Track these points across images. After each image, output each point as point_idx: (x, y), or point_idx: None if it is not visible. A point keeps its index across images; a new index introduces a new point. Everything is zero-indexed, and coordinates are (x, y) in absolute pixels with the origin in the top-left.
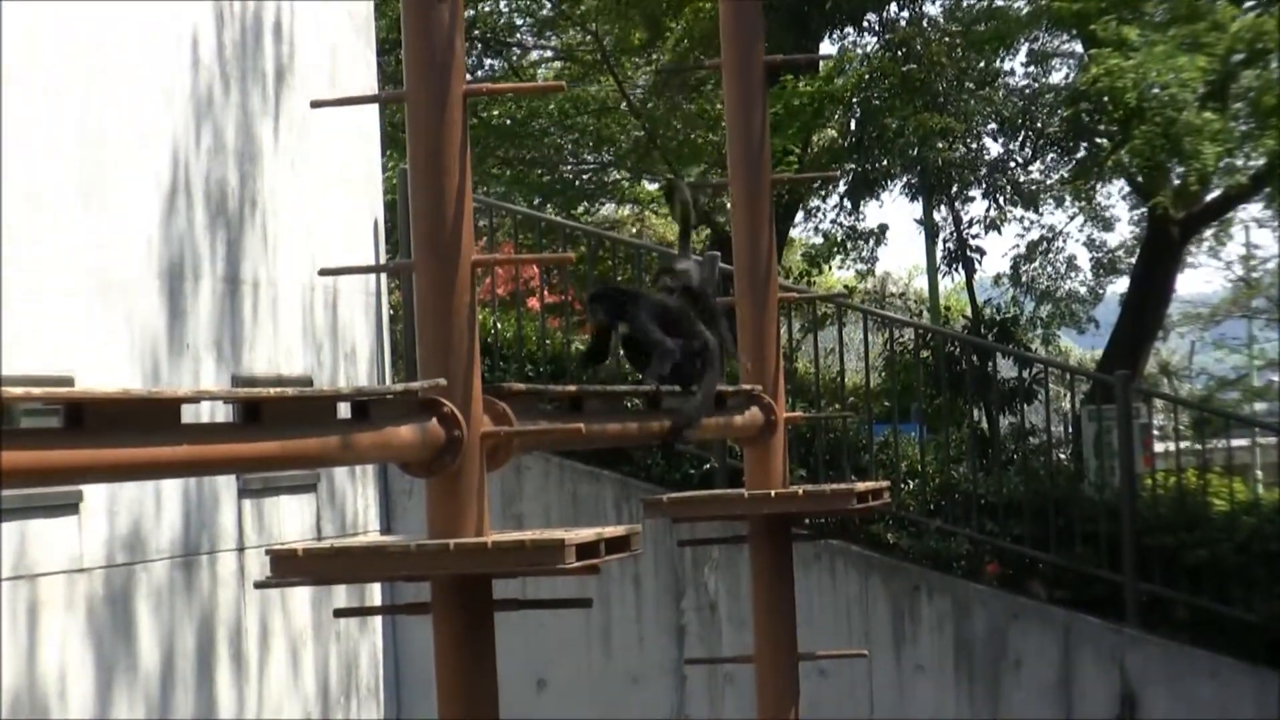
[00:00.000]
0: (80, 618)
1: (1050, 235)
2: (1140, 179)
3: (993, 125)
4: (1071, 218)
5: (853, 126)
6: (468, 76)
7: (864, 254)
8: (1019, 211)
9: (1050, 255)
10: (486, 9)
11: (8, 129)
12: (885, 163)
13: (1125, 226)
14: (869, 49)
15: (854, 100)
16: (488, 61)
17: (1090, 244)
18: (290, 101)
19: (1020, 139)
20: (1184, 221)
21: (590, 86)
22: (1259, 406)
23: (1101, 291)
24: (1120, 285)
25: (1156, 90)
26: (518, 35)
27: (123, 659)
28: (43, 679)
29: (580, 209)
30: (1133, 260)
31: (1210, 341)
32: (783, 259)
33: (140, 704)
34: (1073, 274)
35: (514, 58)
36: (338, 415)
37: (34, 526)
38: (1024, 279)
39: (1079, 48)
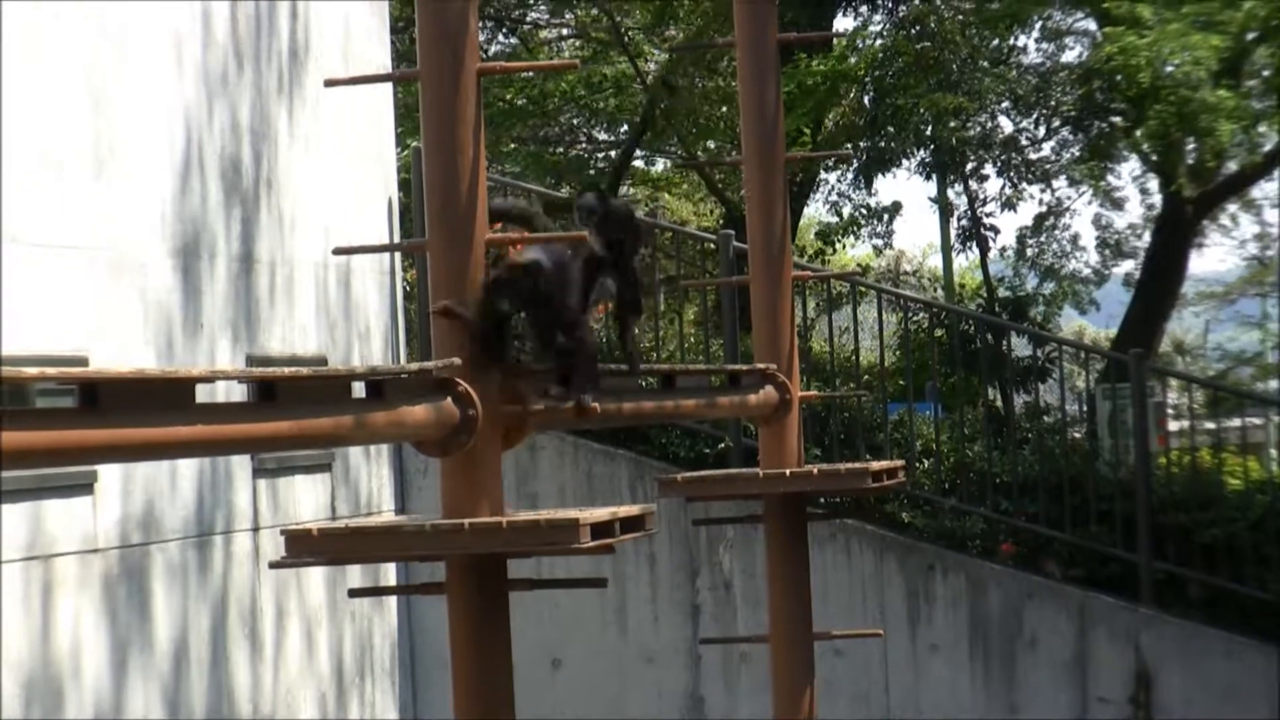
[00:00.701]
0: (95, 598)
1: (1057, 210)
2: (1154, 157)
3: (1006, 103)
4: (1080, 194)
5: (866, 104)
6: (481, 54)
7: (878, 230)
8: (1032, 188)
9: (1056, 232)
10: None
11: (19, 102)
12: (899, 141)
13: (1136, 207)
14: (882, 27)
15: (867, 79)
16: (501, 39)
17: (1098, 223)
18: (304, 80)
19: (1034, 117)
20: (1198, 200)
21: (604, 66)
22: (1273, 384)
23: (1107, 273)
24: (1126, 267)
25: (1170, 68)
26: (531, 14)
27: (137, 639)
28: (57, 659)
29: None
30: (1141, 241)
31: (1224, 319)
32: (797, 238)
33: (155, 684)
34: (1078, 253)
35: (528, 36)
36: (352, 395)
37: (48, 507)
38: (1029, 254)
39: (1093, 25)
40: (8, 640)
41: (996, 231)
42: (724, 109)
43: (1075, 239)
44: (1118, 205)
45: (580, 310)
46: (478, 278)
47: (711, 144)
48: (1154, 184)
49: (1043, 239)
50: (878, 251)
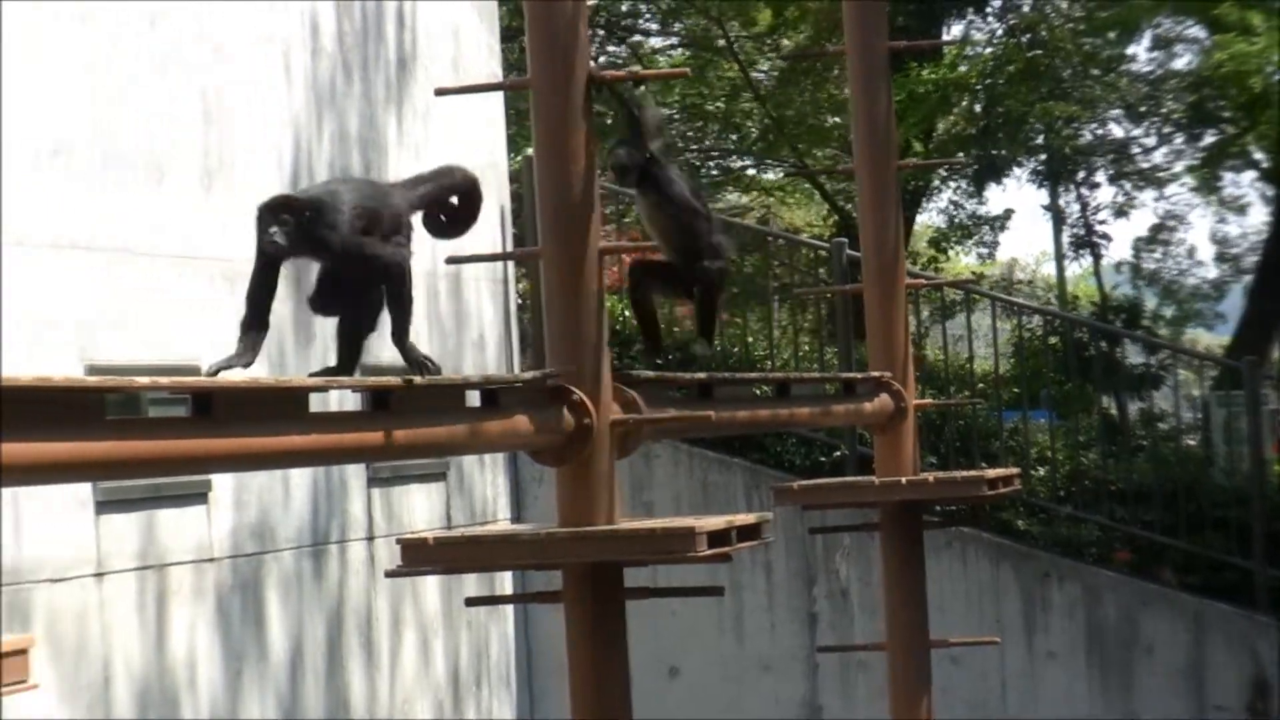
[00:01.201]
0: (209, 607)
1: (1170, 221)
2: (1267, 164)
3: (1117, 110)
4: (1195, 204)
5: (977, 112)
6: (591, 63)
7: (986, 239)
8: (1144, 196)
9: (1171, 246)
10: None
11: (132, 115)
12: (1010, 149)
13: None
14: (994, 34)
15: (978, 87)
16: (611, 48)
17: (1213, 237)
18: (413, 88)
19: (1145, 125)
20: None
21: (714, 74)
22: None
23: (1226, 286)
24: (1246, 278)
25: None
26: (641, 22)
27: (252, 649)
28: (171, 669)
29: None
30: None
31: None
32: (910, 245)
33: (270, 694)
34: (1196, 267)
35: (638, 45)
36: (466, 403)
37: (162, 516)
38: (1144, 270)
39: (1202, 33)
40: (122, 649)
41: (1108, 239)
42: (837, 117)
43: (1191, 251)
44: (1241, 211)
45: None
46: (591, 285)
47: (824, 152)
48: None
49: (1157, 253)
50: (984, 261)
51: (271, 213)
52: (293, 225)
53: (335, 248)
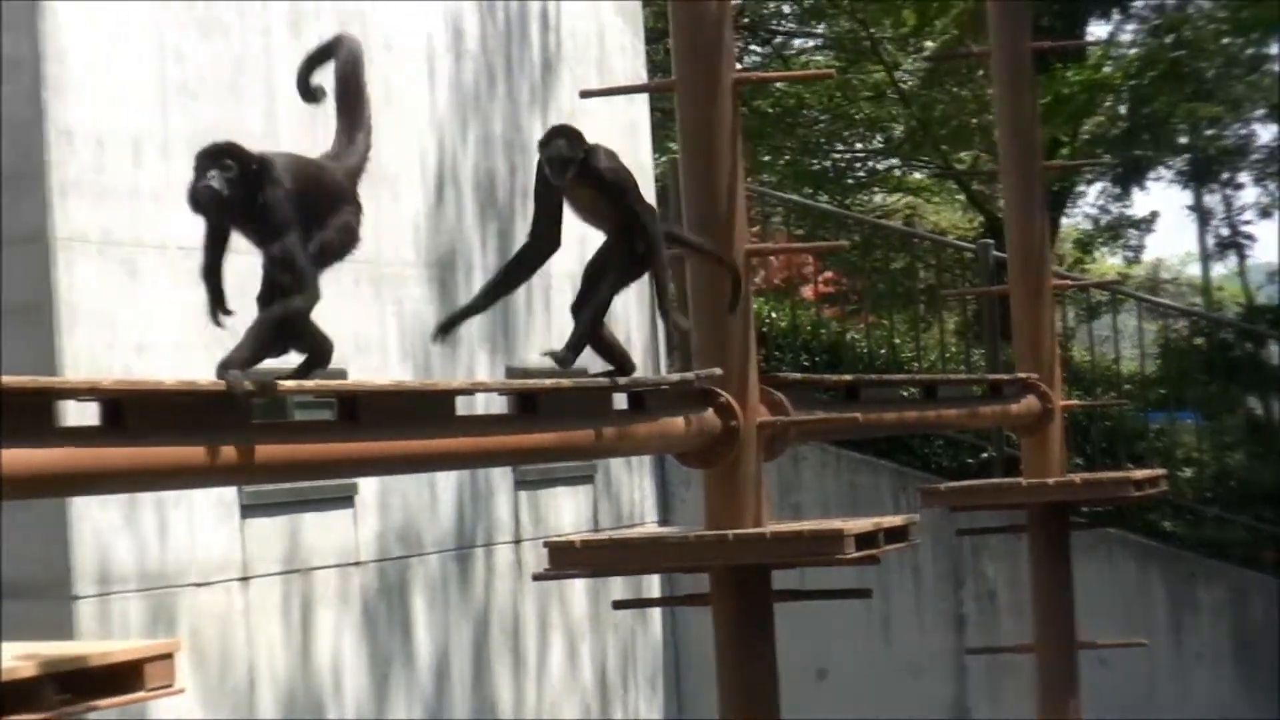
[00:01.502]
0: (354, 612)
1: None
2: None
3: (1261, 110)
4: None
5: (1122, 113)
6: (736, 64)
7: (1132, 241)
8: None
9: None
10: None
11: (281, 119)
12: (1155, 150)
13: None
14: (1138, 35)
15: (1123, 88)
16: (755, 49)
17: None
18: (558, 92)
19: None
20: None
21: (859, 75)
22: None
23: None
24: None
25: None
26: (784, 23)
27: (398, 653)
28: (317, 674)
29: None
30: None
31: None
32: (1055, 247)
33: (417, 699)
34: None
35: (782, 46)
36: (613, 406)
37: (308, 520)
38: None
39: None
40: (267, 654)
41: (1253, 240)
42: (981, 118)
43: None
44: None
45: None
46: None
47: (969, 153)
48: None
49: None
50: (1129, 262)
51: (211, 158)
52: (236, 175)
53: (277, 210)
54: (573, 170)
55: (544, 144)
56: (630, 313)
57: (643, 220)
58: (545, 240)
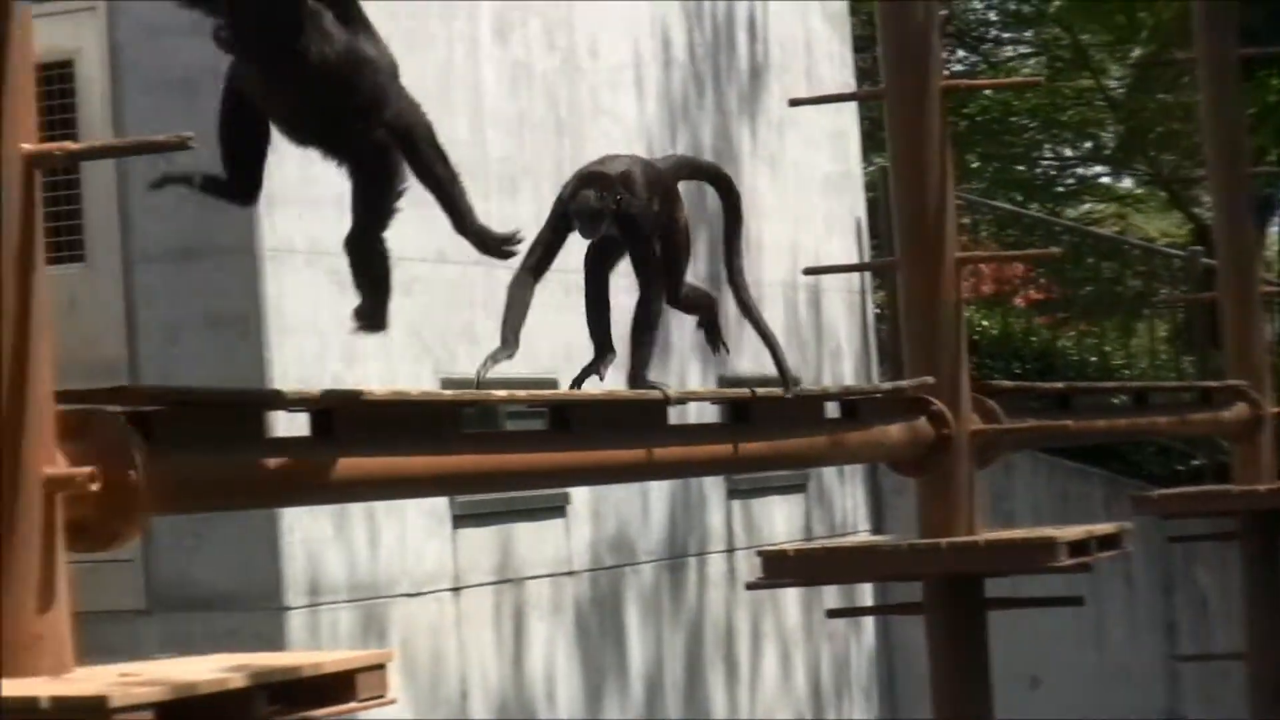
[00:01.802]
0: (567, 621)
1: None
2: None
3: None
4: None
5: None
6: (944, 72)
7: None
8: None
9: None
10: (960, 6)
11: (484, 127)
12: None
13: None
14: None
15: None
16: (961, 54)
17: None
18: (767, 100)
19: None
20: None
21: (1067, 82)
22: None
23: None
24: None
25: None
26: (992, 30)
27: (611, 662)
28: (530, 684)
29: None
30: None
31: None
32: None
33: (630, 708)
34: None
35: (990, 53)
36: (825, 415)
37: (520, 530)
38: None
39: None
40: (479, 664)
41: None
42: (1189, 125)
43: None
44: None
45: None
46: (949, 294)
47: (1176, 159)
48: None
49: None
50: None
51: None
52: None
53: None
54: (607, 224)
55: (570, 196)
56: (839, 321)
57: (650, 276)
58: (537, 272)
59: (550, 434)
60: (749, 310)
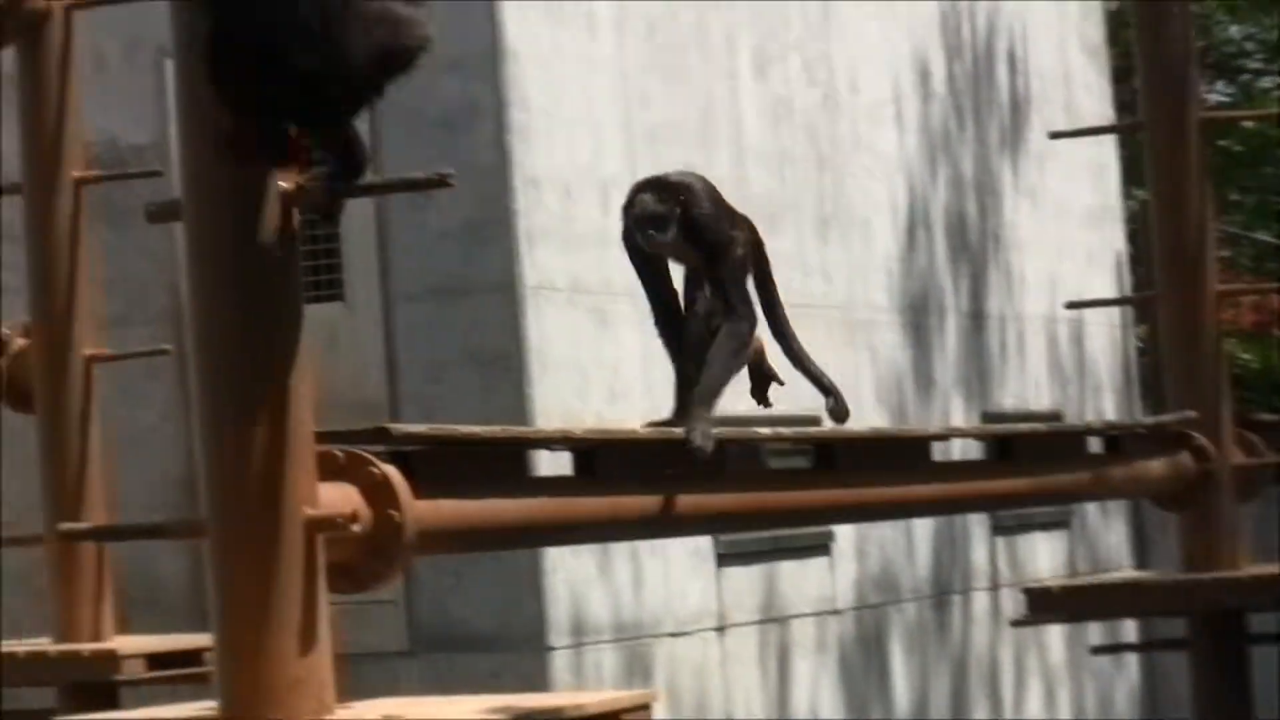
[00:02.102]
0: (832, 660)
1: None
2: None
3: None
4: None
5: None
6: (1203, 103)
7: None
8: None
9: None
10: (1218, 37)
11: (745, 162)
12: None
13: None
14: None
15: None
16: (1219, 85)
17: None
18: (1026, 132)
19: None
20: None
21: None
22: None
23: None
24: None
25: None
26: (1251, 60)
27: (876, 701)
28: None
29: None
30: None
31: None
32: None
33: None
34: None
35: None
36: (1088, 450)
37: (784, 568)
38: None
39: None
40: (743, 703)
41: None
42: None
43: None
44: None
45: None
46: (1210, 327)
47: None
48: None
49: None
50: None
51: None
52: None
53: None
54: (673, 231)
55: (628, 205)
56: (1100, 356)
57: (728, 292)
58: (671, 307)
59: (814, 472)
60: (801, 361)
